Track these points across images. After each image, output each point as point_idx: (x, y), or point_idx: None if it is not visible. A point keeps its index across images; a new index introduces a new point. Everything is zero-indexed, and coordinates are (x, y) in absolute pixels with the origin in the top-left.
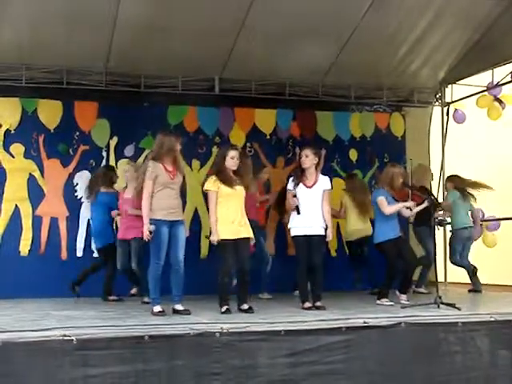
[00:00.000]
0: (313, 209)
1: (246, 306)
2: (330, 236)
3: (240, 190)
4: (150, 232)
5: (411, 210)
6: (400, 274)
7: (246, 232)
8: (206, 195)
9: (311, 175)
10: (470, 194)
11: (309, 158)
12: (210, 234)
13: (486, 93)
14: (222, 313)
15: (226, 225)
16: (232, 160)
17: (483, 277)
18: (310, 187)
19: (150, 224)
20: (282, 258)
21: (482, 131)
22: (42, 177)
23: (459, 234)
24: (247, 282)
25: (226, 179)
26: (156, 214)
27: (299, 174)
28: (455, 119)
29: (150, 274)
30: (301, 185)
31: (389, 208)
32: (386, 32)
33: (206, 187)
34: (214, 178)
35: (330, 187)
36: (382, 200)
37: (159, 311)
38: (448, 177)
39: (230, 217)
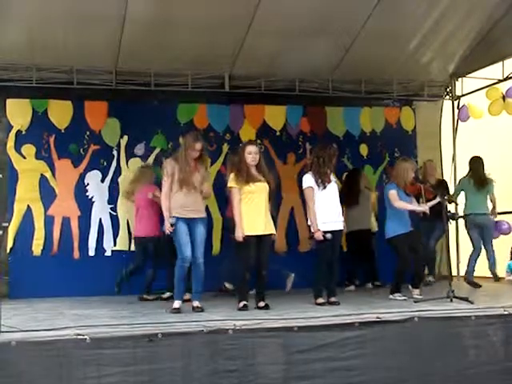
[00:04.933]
0: (334, 204)
1: (262, 304)
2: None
3: (261, 186)
4: (172, 225)
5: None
6: (412, 269)
7: (269, 228)
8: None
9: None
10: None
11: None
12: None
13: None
14: (240, 309)
15: (248, 221)
16: (250, 155)
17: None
18: (330, 182)
19: (171, 217)
20: (293, 254)
21: (495, 126)
22: (53, 177)
23: (469, 220)
24: (265, 278)
25: (246, 176)
26: (173, 211)
27: (323, 174)
28: (459, 117)
29: (176, 271)
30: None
31: (398, 202)
32: (396, 27)
33: (228, 184)
34: (234, 175)
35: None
36: (393, 193)
37: (174, 308)
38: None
39: (252, 213)
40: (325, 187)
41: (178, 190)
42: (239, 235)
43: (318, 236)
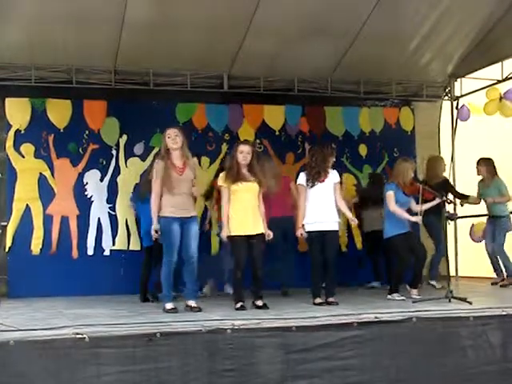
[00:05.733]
0: (325, 203)
1: (260, 303)
2: (356, 220)
3: (251, 186)
4: (156, 231)
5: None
6: (410, 269)
7: (259, 228)
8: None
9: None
10: None
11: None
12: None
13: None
14: (236, 309)
15: (237, 221)
16: (241, 154)
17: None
18: (323, 181)
19: (158, 223)
20: (292, 254)
21: (495, 126)
22: (52, 176)
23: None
24: (260, 278)
25: (235, 175)
26: (165, 211)
27: (315, 173)
28: (459, 116)
29: (163, 271)
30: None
31: (394, 207)
32: (395, 28)
33: (218, 183)
34: (225, 174)
35: (339, 180)
36: (390, 195)
37: (171, 308)
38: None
39: (240, 213)
40: (313, 186)
41: (166, 190)
42: (223, 234)
43: (297, 233)
